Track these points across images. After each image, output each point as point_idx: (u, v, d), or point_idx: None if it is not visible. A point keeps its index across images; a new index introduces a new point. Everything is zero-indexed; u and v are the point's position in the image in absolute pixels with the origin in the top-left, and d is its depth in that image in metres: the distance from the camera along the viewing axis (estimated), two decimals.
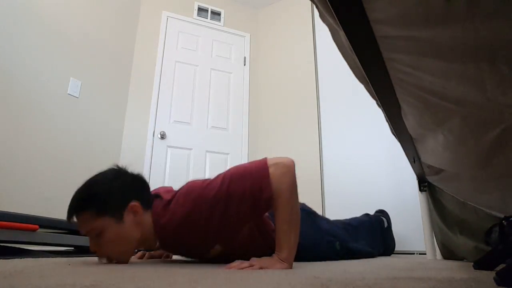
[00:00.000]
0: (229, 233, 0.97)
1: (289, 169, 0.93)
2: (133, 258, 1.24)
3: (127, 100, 2.97)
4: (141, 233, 0.96)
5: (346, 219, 1.92)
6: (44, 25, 2.35)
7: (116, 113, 2.87)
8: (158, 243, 1.01)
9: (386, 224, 2.06)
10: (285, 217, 0.91)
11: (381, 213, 2.14)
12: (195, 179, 1.04)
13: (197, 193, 0.93)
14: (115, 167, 1.01)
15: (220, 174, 0.96)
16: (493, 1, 0.34)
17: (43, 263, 0.90)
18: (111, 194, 0.94)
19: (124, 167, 1.02)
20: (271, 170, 0.91)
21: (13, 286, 0.46)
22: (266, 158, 0.95)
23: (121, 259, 0.97)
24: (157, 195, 1.02)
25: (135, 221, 0.95)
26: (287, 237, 0.90)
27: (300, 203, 0.99)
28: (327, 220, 1.70)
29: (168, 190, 1.09)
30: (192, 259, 1.21)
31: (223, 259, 1.02)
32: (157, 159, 2.90)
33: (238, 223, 0.95)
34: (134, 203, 0.95)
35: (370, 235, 1.85)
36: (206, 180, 0.98)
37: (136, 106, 2.98)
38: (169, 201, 0.96)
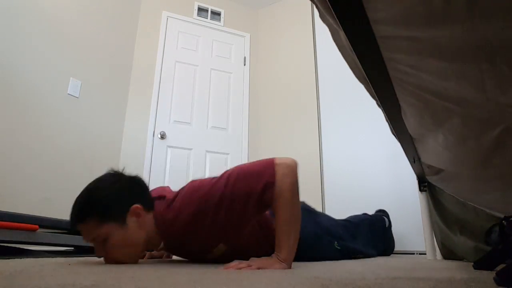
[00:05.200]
0: (234, 231, 0.97)
1: (291, 170, 0.93)
2: None
3: (127, 100, 2.97)
4: (146, 235, 0.96)
5: (348, 217, 1.92)
6: (44, 25, 2.35)
7: (116, 113, 2.87)
8: (162, 244, 1.02)
9: (387, 223, 2.06)
10: (286, 218, 0.91)
11: (382, 213, 2.14)
12: (196, 179, 1.04)
13: (203, 192, 0.93)
14: (112, 172, 1.00)
15: (225, 173, 0.96)
16: (493, 1, 0.34)
17: (43, 263, 0.90)
18: (112, 199, 0.94)
19: (121, 170, 1.02)
20: (274, 169, 0.92)
21: (13, 286, 0.46)
22: (274, 158, 0.95)
23: (130, 262, 0.97)
24: (159, 196, 1.03)
25: (139, 223, 0.95)
26: (287, 237, 0.90)
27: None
28: (328, 217, 1.70)
29: (166, 190, 1.09)
30: (194, 261, 1.21)
31: (225, 259, 1.02)
32: (157, 159, 2.90)
33: (243, 221, 0.96)
34: (135, 206, 0.95)
35: (371, 233, 1.85)
36: (211, 179, 0.98)
37: (136, 106, 2.97)
38: (172, 201, 0.97)
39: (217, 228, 0.93)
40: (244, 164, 0.98)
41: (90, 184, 0.97)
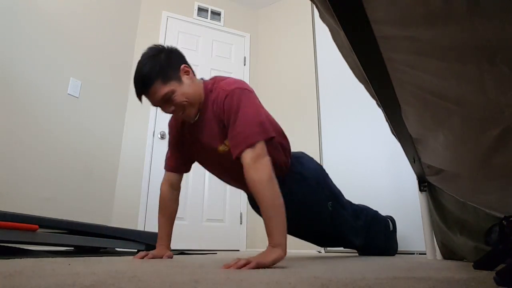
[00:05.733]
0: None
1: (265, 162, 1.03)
2: (134, 258, 1.25)
3: (127, 100, 2.97)
4: (198, 92, 1.20)
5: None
6: (44, 25, 2.35)
7: (116, 113, 2.87)
8: (197, 117, 1.22)
9: (391, 227, 2.06)
10: (267, 203, 0.95)
11: (389, 217, 2.14)
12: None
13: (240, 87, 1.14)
14: (152, 46, 1.19)
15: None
16: (493, 1, 0.34)
17: (43, 263, 0.90)
18: (164, 64, 1.14)
19: (159, 44, 1.22)
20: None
21: (13, 286, 0.46)
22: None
23: (191, 112, 1.19)
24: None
25: (190, 79, 1.19)
26: (274, 222, 0.94)
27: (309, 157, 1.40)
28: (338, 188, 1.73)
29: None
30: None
31: (228, 163, 1.16)
32: (157, 159, 2.90)
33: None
34: (183, 65, 1.20)
35: (371, 223, 1.86)
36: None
37: (136, 106, 2.97)
38: (214, 82, 1.21)
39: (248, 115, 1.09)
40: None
41: (142, 60, 1.15)
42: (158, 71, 1.12)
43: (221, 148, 1.20)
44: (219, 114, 1.15)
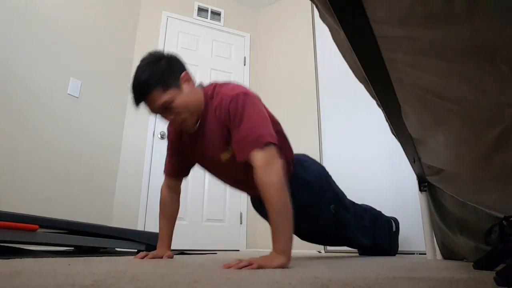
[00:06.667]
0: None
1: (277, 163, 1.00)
2: (134, 258, 1.24)
3: (127, 100, 2.97)
4: (198, 101, 1.16)
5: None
6: (44, 25, 2.35)
7: (116, 113, 2.87)
8: (197, 126, 1.19)
9: (394, 228, 2.06)
10: (276, 208, 0.93)
11: (392, 218, 2.14)
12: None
13: (240, 93, 1.10)
14: (152, 52, 1.16)
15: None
16: (493, 1, 0.34)
17: (43, 263, 0.90)
18: (166, 70, 1.11)
19: (159, 51, 1.19)
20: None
21: (13, 286, 0.46)
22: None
23: (190, 121, 1.16)
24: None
25: (190, 87, 1.16)
26: (282, 229, 0.92)
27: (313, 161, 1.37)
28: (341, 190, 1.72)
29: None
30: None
31: (231, 168, 1.16)
32: (157, 159, 2.89)
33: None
34: (184, 72, 1.15)
35: (375, 222, 1.86)
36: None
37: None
38: (215, 88, 1.17)
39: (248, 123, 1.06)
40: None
41: (139, 67, 1.12)
42: (158, 78, 1.09)
43: (224, 155, 1.18)
44: (223, 120, 1.11)
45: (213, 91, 1.18)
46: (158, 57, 1.15)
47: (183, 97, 1.12)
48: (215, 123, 1.14)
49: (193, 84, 1.19)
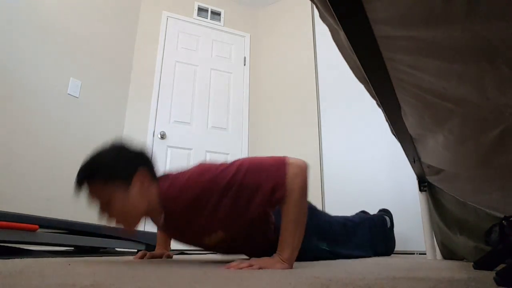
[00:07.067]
0: (235, 221, 0.96)
1: (302, 170, 0.92)
2: (134, 258, 1.24)
3: (127, 100, 2.97)
4: (148, 204, 0.96)
5: (349, 216, 1.92)
6: (44, 25, 2.35)
7: (116, 113, 2.87)
8: (162, 219, 1.01)
9: (389, 224, 2.06)
10: (292, 217, 0.90)
11: (385, 212, 2.13)
12: (205, 161, 1.03)
13: (210, 176, 0.91)
14: (118, 140, 1.01)
15: (236, 161, 0.95)
16: (493, 1, 0.34)
17: (43, 263, 0.90)
18: (118, 162, 0.94)
19: (127, 141, 1.02)
20: (286, 169, 0.91)
21: (13, 286, 0.46)
22: (285, 157, 0.94)
23: (128, 227, 0.98)
24: (164, 175, 1.03)
25: (142, 190, 0.95)
26: (292, 237, 0.89)
27: None
28: (327, 215, 1.69)
29: (172, 172, 1.07)
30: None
31: (223, 247, 1.01)
32: (157, 159, 2.89)
33: (246, 213, 0.94)
34: (141, 171, 0.95)
35: (371, 233, 1.84)
36: (221, 164, 0.96)
37: (136, 106, 2.98)
38: (176, 179, 0.96)
39: (218, 215, 0.92)
40: (256, 158, 0.97)
41: (95, 150, 0.96)
42: (106, 168, 0.93)
43: (208, 240, 1.05)
44: (196, 204, 0.93)
45: (170, 182, 0.99)
46: (119, 146, 0.99)
47: (124, 199, 0.93)
48: (184, 212, 0.95)
49: (148, 186, 0.97)
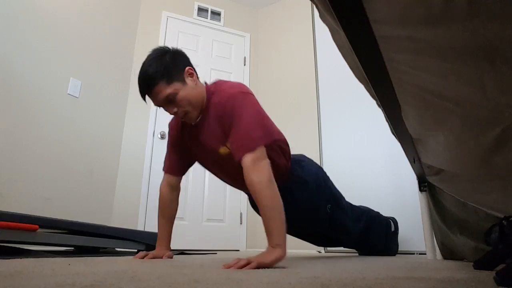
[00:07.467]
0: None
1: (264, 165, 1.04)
2: (134, 258, 1.25)
3: (127, 100, 2.97)
4: (201, 94, 1.21)
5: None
6: (44, 25, 2.35)
7: (116, 113, 2.87)
8: (198, 120, 1.24)
9: (393, 228, 2.06)
10: (265, 204, 0.96)
11: (391, 219, 2.14)
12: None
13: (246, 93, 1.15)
14: (158, 47, 1.22)
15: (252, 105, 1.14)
16: (493, 1, 0.34)
17: (43, 263, 0.90)
18: (169, 65, 1.17)
19: (165, 46, 1.24)
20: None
21: (13, 286, 0.46)
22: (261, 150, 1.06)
23: (193, 115, 1.20)
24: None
25: (194, 82, 1.21)
26: (272, 222, 0.95)
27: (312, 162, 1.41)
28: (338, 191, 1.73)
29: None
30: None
31: (229, 165, 1.18)
32: (157, 159, 2.90)
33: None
34: (188, 67, 1.22)
35: (370, 223, 1.86)
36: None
37: (136, 106, 2.97)
38: (222, 85, 1.22)
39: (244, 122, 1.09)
40: (258, 116, 1.14)
41: (147, 61, 1.19)
42: (162, 71, 1.14)
43: (222, 150, 1.21)
44: (221, 117, 1.16)
45: (214, 88, 1.23)
46: (163, 52, 1.20)
47: (186, 90, 1.18)
48: (215, 118, 1.18)
49: (197, 78, 1.24)
